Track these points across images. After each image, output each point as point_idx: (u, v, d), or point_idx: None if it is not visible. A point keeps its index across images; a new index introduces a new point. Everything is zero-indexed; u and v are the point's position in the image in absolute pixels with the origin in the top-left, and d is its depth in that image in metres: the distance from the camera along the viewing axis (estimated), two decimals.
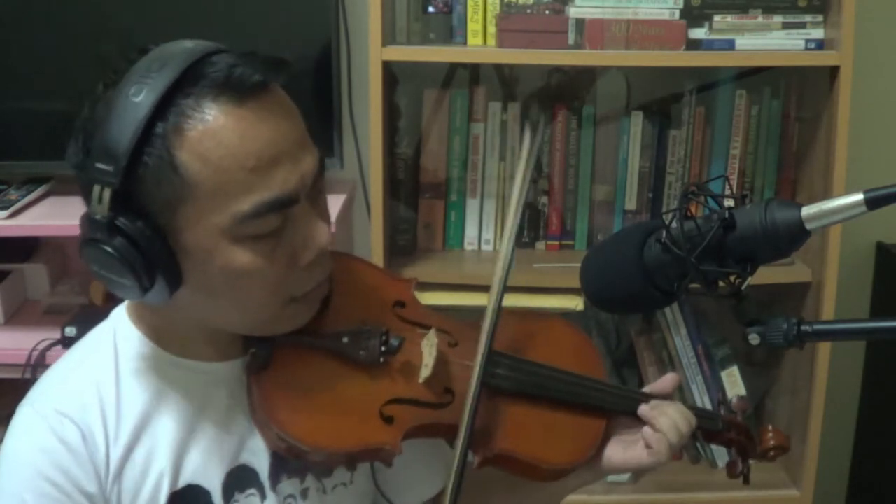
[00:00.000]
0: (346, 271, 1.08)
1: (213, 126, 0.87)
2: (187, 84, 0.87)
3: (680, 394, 1.92)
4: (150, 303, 0.94)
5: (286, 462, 1.03)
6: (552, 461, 1.11)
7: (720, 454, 2.00)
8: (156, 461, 0.98)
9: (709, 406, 1.96)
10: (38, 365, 1.77)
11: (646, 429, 1.12)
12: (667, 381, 1.20)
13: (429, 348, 1.05)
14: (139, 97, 0.85)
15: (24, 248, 2.04)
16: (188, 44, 0.91)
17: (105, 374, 0.99)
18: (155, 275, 0.90)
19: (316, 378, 1.01)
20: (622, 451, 1.14)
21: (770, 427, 1.25)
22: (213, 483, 1.00)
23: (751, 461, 1.25)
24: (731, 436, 1.24)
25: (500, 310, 1.09)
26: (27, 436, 0.97)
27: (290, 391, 1.00)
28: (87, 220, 0.89)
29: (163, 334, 1.01)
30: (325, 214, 0.98)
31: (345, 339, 1.02)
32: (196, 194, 0.88)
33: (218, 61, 0.89)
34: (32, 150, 1.87)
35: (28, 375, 1.75)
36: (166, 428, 0.99)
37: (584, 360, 1.19)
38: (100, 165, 0.86)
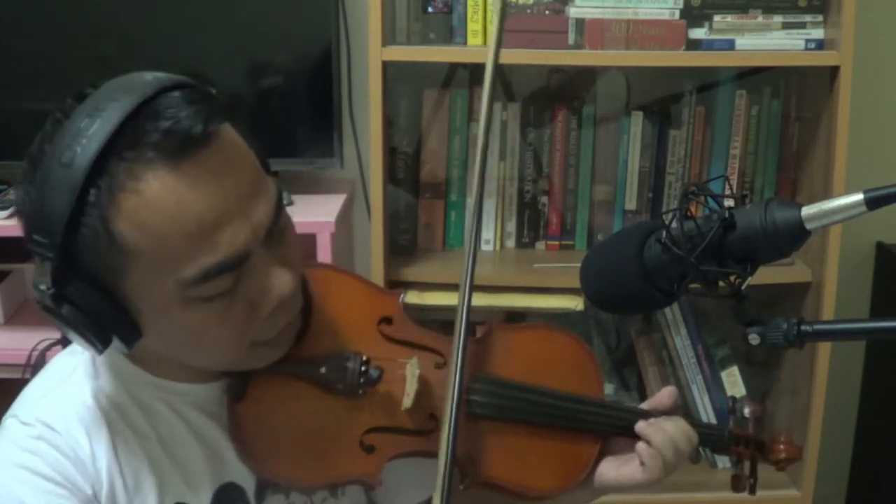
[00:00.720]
0: (327, 286, 1.04)
1: (147, 195, 0.81)
2: (122, 146, 0.81)
3: (680, 395, 1.92)
4: (118, 352, 0.93)
5: (269, 483, 1.02)
6: (537, 488, 1.08)
7: (720, 455, 2.01)
8: (144, 482, 0.96)
9: (710, 407, 1.96)
10: (38, 365, 1.76)
11: (640, 444, 1.09)
12: (665, 395, 1.16)
13: (411, 377, 1.01)
14: (71, 164, 0.80)
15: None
16: (126, 86, 0.84)
17: (86, 395, 0.97)
18: (109, 335, 0.88)
19: (293, 408, 0.98)
20: (615, 468, 1.11)
21: (782, 437, 1.21)
22: (202, 502, 0.98)
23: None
24: (740, 449, 1.20)
25: (467, 334, 1.03)
26: (16, 442, 0.93)
27: (266, 424, 0.97)
28: (35, 286, 0.86)
29: (140, 357, 0.98)
30: (287, 257, 0.92)
31: (323, 369, 0.98)
32: (138, 262, 0.84)
33: (157, 112, 0.82)
34: None
35: (28, 375, 1.75)
36: (151, 448, 0.97)
37: (581, 377, 1.15)
38: (36, 237, 0.84)
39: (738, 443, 1.20)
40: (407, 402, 1.00)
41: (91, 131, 0.80)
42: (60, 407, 0.95)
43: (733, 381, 1.97)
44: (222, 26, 1.89)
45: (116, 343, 0.89)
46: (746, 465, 1.20)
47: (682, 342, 1.97)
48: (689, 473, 2.00)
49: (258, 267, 0.88)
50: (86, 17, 1.88)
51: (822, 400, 1.86)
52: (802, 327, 0.80)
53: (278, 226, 0.90)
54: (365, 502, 1.12)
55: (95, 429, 0.95)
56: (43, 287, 0.85)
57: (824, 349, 1.84)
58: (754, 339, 0.82)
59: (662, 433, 1.09)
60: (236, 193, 0.85)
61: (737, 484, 1.20)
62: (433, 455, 1.00)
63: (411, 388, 1.00)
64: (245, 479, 1.01)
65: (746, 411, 1.22)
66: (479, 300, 1.83)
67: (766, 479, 1.97)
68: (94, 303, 0.85)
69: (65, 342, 1.79)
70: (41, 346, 1.79)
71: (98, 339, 0.87)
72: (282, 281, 0.90)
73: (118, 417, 0.96)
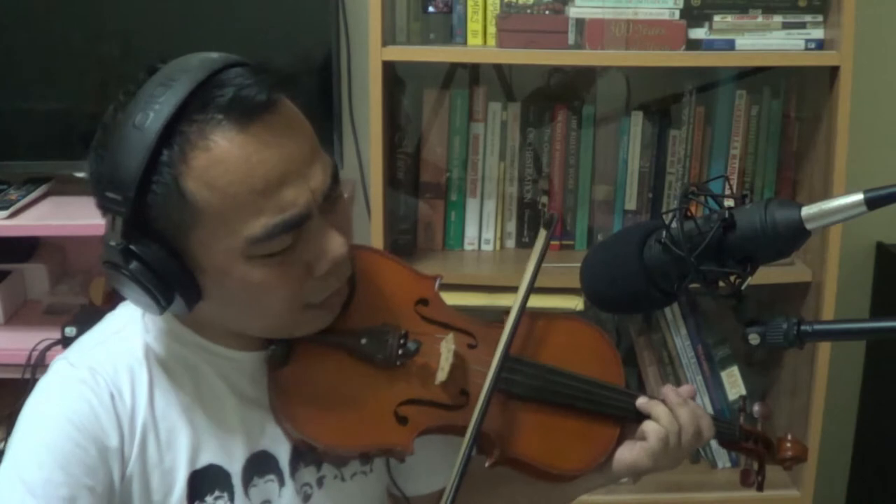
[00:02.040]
0: (370, 266, 1.09)
1: (217, 154, 0.87)
2: (193, 110, 0.87)
3: None
4: (172, 313, 0.97)
5: (304, 451, 1.05)
6: (561, 467, 1.12)
7: (720, 455, 2.01)
8: (178, 437, 1.00)
9: (710, 407, 1.96)
10: (38, 365, 1.76)
11: (645, 421, 1.13)
12: (683, 390, 1.19)
13: (446, 352, 1.05)
14: (144, 126, 0.86)
15: (24, 248, 2.04)
16: (194, 61, 0.91)
17: (136, 347, 1.01)
18: (172, 294, 0.92)
19: (333, 376, 1.02)
20: (627, 450, 1.14)
21: (789, 437, 1.24)
22: (234, 466, 1.02)
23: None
24: (749, 445, 1.23)
25: (516, 327, 1.09)
26: (59, 383, 0.99)
27: (306, 389, 1.01)
28: (104, 244, 0.91)
29: (191, 321, 1.02)
30: (341, 222, 0.98)
31: (363, 340, 1.03)
32: (206, 220, 0.89)
33: (224, 81, 0.89)
34: (32, 150, 1.86)
35: (28, 375, 1.75)
36: (191, 407, 1.01)
37: (604, 365, 1.19)
38: (109, 194, 0.88)
39: (748, 439, 1.23)
40: (441, 375, 1.04)
41: (163, 98, 0.87)
42: (109, 355, 1.00)
43: (733, 381, 1.97)
44: (222, 26, 1.89)
45: (177, 303, 0.93)
46: (754, 462, 1.24)
47: (682, 342, 1.97)
48: (689, 473, 2.00)
49: (315, 229, 0.94)
50: (86, 17, 1.87)
51: (822, 400, 1.86)
52: (802, 327, 0.80)
53: (334, 193, 0.96)
54: (388, 482, 1.15)
55: (139, 380, 0.99)
56: (113, 243, 0.89)
57: (824, 349, 1.84)
58: (754, 339, 0.82)
59: (661, 406, 1.13)
60: (298, 157, 0.91)
61: (745, 479, 1.24)
62: (463, 430, 1.04)
63: (446, 362, 1.04)
64: (280, 448, 1.04)
65: (756, 410, 1.24)
66: (479, 300, 1.83)
67: (766, 478, 1.98)
68: (160, 259, 0.90)
69: (65, 342, 1.80)
70: (41, 346, 1.79)
71: (162, 295, 0.91)
72: (336, 243, 0.95)
73: (163, 373, 1.01)
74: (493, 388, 1.04)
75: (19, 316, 1.99)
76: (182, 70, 0.89)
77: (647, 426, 1.13)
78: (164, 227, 0.90)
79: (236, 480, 1.02)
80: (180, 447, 1.00)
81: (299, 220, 0.91)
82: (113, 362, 1.00)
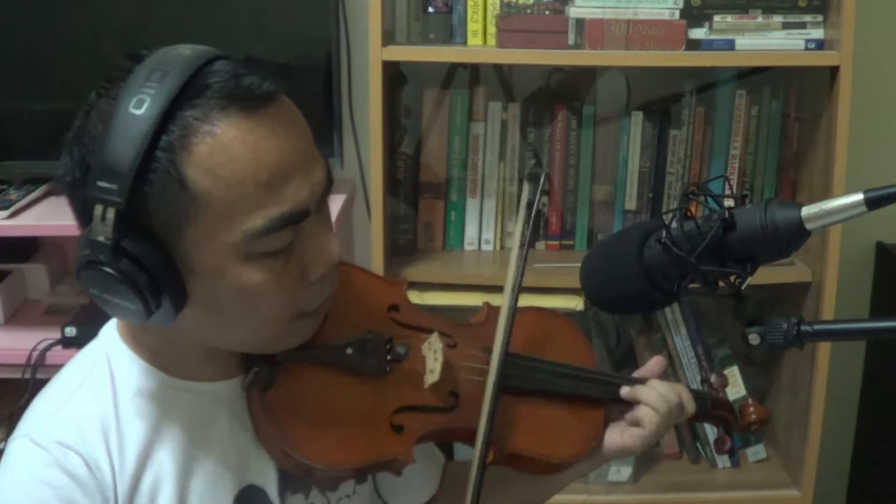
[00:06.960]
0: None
1: (222, 140, 0.82)
2: (191, 94, 0.82)
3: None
4: (153, 325, 0.88)
5: (291, 478, 1.01)
6: (560, 455, 1.12)
7: (721, 455, 2.01)
8: (163, 489, 0.94)
9: None
10: (38, 365, 1.76)
11: (636, 407, 1.14)
12: (654, 363, 1.22)
13: (432, 353, 1.03)
14: (141, 110, 0.81)
15: (24, 248, 2.04)
16: (186, 50, 0.86)
17: (104, 401, 0.94)
18: (161, 297, 0.85)
19: (322, 392, 0.98)
20: (619, 435, 1.15)
21: (750, 401, 1.27)
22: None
23: (735, 435, 1.29)
24: (717, 412, 1.26)
25: (513, 317, 1.08)
26: (28, 470, 0.90)
27: (297, 408, 0.97)
28: (88, 241, 0.83)
29: (159, 354, 0.96)
30: (330, 226, 0.95)
31: (349, 351, 0.99)
32: (205, 212, 0.83)
33: (220, 69, 0.84)
34: (32, 150, 1.86)
35: (28, 375, 1.75)
36: (170, 453, 0.94)
37: (576, 350, 1.21)
38: (102, 184, 0.81)
39: (716, 406, 1.26)
40: (432, 377, 1.01)
41: (159, 83, 0.82)
42: (76, 422, 0.92)
43: (733, 381, 1.97)
44: (223, 26, 1.89)
45: (163, 311, 0.86)
46: (722, 429, 1.28)
47: (682, 342, 1.97)
48: (690, 473, 2.00)
49: (311, 230, 0.90)
50: (86, 16, 1.88)
51: (822, 400, 1.86)
52: (802, 327, 0.80)
53: (327, 194, 0.93)
54: (373, 497, 1.13)
55: (113, 441, 0.92)
56: (101, 238, 0.82)
57: (824, 349, 1.84)
58: (754, 339, 0.82)
59: (650, 390, 1.15)
60: (301, 150, 0.88)
61: (720, 447, 1.29)
62: (456, 433, 1.04)
63: (435, 363, 1.02)
64: (267, 479, 1.00)
65: (713, 381, 1.29)
66: (479, 300, 1.83)
67: (766, 478, 1.99)
68: (152, 257, 0.83)
69: (65, 342, 1.79)
70: (41, 346, 1.79)
71: (151, 299, 0.84)
72: (332, 245, 0.92)
73: (139, 425, 0.94)
74: (497, 387, 1.03)
75: (19, 316, 1.99)
76: (176, 58, 0.84)
77: (643, 413, 1.13)
78: (156, 221, 0.83)
79: None
80: (167, 499, 0.93)
81: (301, 215, 0.87)
82: (81, 428, 0.91)
